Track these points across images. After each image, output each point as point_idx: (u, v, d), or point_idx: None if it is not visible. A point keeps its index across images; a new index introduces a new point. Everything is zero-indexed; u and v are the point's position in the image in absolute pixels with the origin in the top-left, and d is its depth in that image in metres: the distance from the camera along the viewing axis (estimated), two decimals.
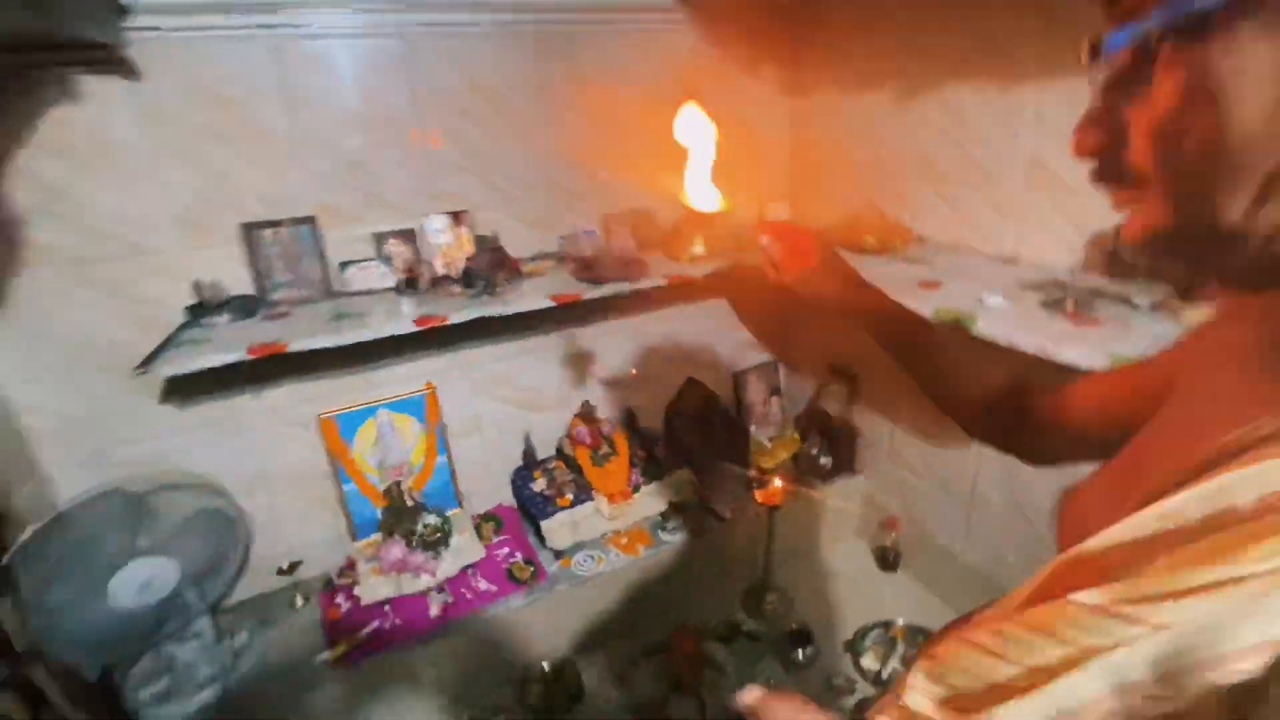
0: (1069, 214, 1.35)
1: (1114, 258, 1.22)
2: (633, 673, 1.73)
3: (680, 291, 1.95)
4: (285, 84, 1.46)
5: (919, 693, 0.38)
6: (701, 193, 0.84)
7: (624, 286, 1.56)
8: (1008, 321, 1.13)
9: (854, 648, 1.76)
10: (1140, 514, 0.33)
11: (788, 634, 1.78)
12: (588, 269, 1.59)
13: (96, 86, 1.31)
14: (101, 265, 1.41)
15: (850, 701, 1.63)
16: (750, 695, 0.55)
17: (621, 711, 1.65)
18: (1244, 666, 0.27)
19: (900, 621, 1.78)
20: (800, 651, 1.73)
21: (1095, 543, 0.35)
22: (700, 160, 0.86)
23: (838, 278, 0.80)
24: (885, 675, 1.68)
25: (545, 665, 1.71)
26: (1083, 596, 0.32)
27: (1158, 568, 0.30)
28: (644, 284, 1.58)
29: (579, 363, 1.99)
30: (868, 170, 1.81)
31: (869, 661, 1.72)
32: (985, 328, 1.13)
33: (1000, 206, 1.48)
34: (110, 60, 1.30)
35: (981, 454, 1.69)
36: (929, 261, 1.52)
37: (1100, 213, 1.30)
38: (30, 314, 1.38)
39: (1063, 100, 1.32)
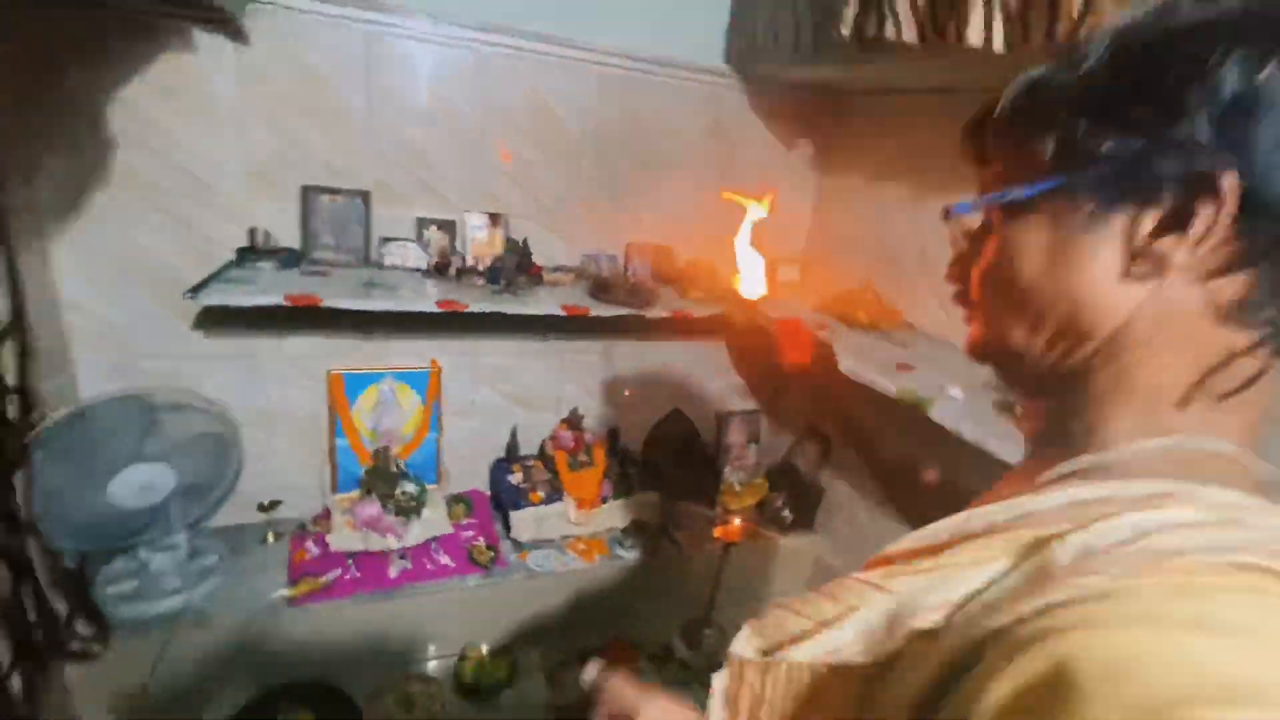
0: None
1: None
2: (563, 673, 1.81)
3: (681, 326, 2.08)
4: (369, 71, 1.62)
5: (742, 643, 0.50)
6: (751, 283, 1.01)
7: (629, 311, 1.70)
8: (959, 412, 1.25)
9: None
10: (916, 531, 0.45)
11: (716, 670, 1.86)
12: (602, 289, 1.72)
13: (209, 42, 1.49)
14: (174, 198, 1.56)
15: None
16: (593, 670, 0.67)
17: (543, 707, 1.73)
18: (932, 618, 0.39)
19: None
20: None
21: (892, 546, 0.48)
22: (750, 255, 1.02)
23: (826, 376, 0.95)
24: None
25: (484, 647, 1.80)
26: (859, 574, 0.45)
27: (905, 558, 0.43)
28: (649, 312, 1.71)
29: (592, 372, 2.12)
30: (873, 254, 1.95)
31: None
32: (938, 414, 1.25)
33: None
34: (226, 22, 1.48)
35: None
36: (911, 346, 1.65)
37: None
38: (100, 227, 1.53)
39: None
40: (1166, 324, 0.42)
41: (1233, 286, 0.40)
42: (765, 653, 0.48)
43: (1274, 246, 0.39)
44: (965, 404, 1.28)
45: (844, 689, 0.43)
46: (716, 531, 1.88)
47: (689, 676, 1.87)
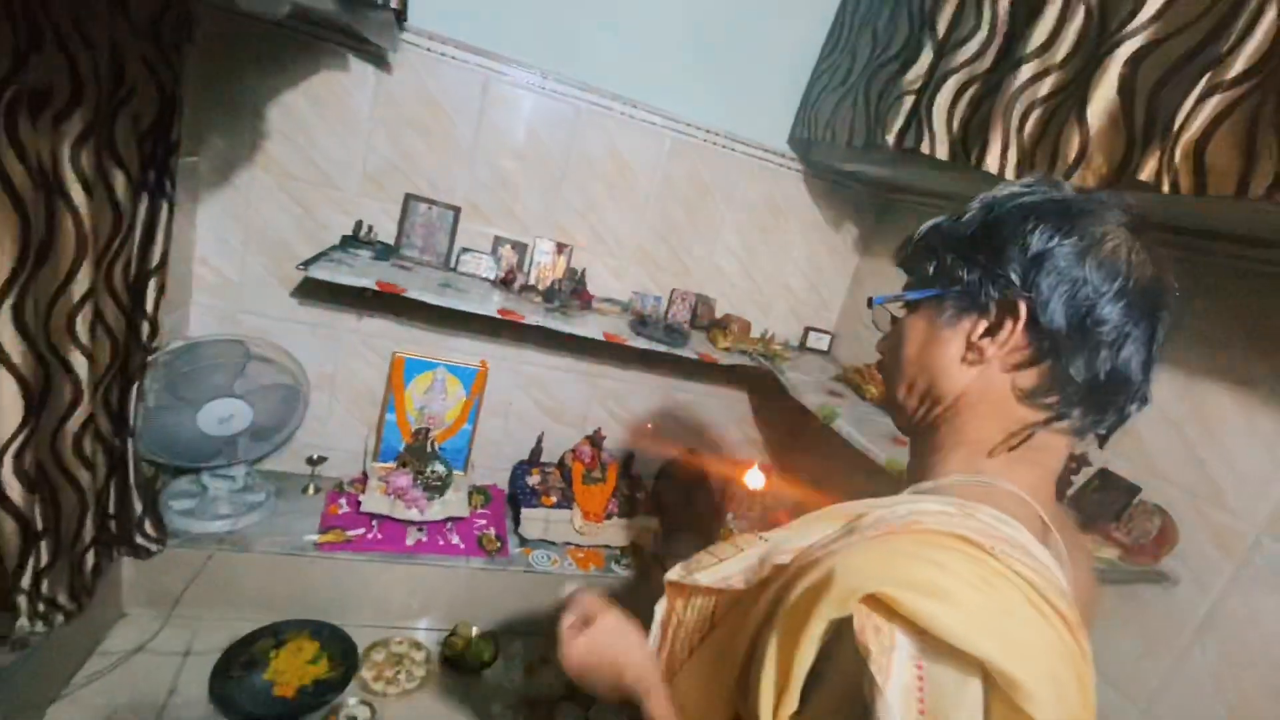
0: None
1: None
2: (539, 668, 1.94)
3: (715, 373, 2.26)
4: (481, 108, 1.91)
5: (674, 572, 0.67)
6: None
7: (661, 348, 1.89)
8: None
9: None
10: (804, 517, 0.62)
11: None
12: (642, 323, 1.92)
13: (358, 66, 1.80)
14: (302, 185, 1.86)
15: None
16: (571, 586, 0.84)
17: (514, 695, 1.86)
18: (785, 557, 0.55)
19: None
20: None
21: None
22: None
23: None
24: None
25: (475, 628, 1.96)
26: (755, 532, 0.62)
27: (785, 522, 0.60)
28: (680, 351, 1.89)
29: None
30: None
31: None
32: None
33: None
34: (375, 53, 1.79)
35: None
36: None
37: None
38: (238, 199, 1.84)
39: None
40: (985, 398, 0.61)
41: (1027, 377, 0.59)
42: (687, 572, 0.66)
43: (1053, 352, 0.57)
44: None
45: (728, 608, 0.60)
46: None
47: None
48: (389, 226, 1.95)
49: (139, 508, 1.64)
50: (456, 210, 1.98)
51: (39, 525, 1.27)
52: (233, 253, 1.90)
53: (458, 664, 1.88)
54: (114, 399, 1.50)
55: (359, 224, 1.89)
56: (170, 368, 1.66)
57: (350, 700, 1.66)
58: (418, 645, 1.90)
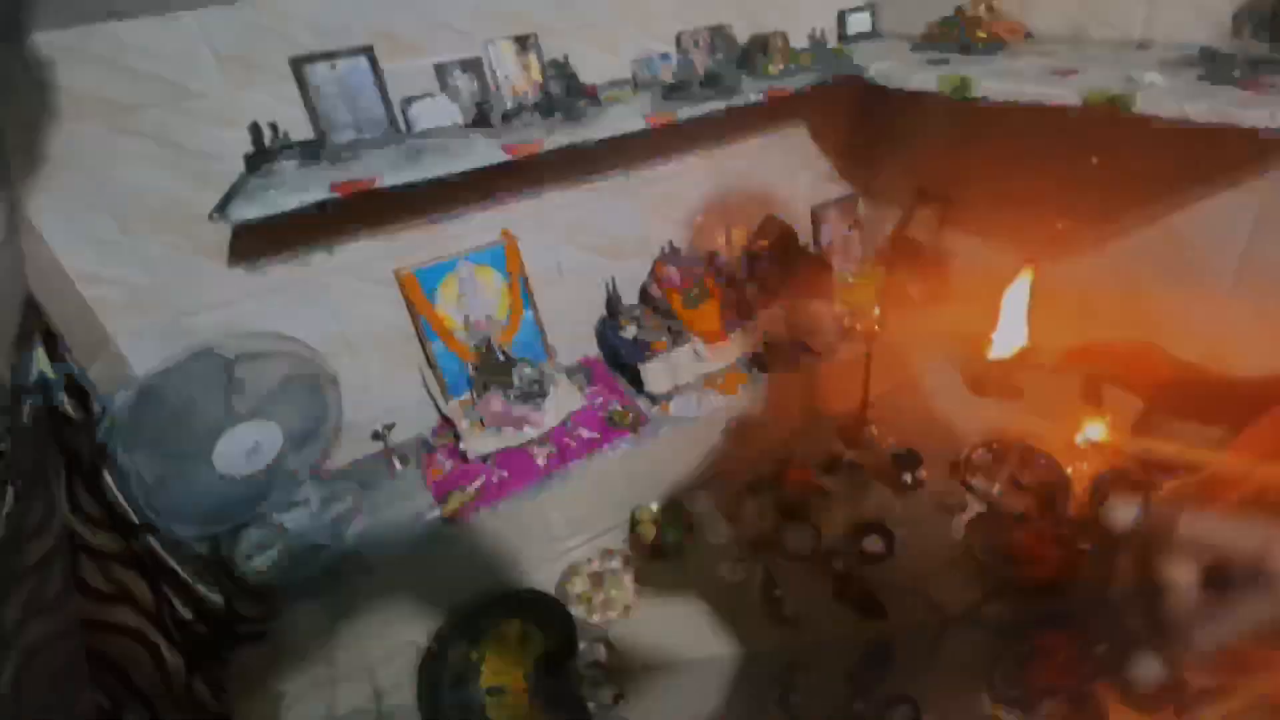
0: None
1: (1275, 20, 1.07)
2: (739, 507, 1.73)
3: (765, 116, 1.80)
4: None
5: None
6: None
7: (719, 105, 1.41)
8: (1173, 95, 1.00)
9: (962, 469, 1.75)
10: None
11: (892, 459, 1.77)
12: (676, 89, 1.43)
13: None
14: (145, 112, 1.25)
15: (964, 519, 1.63)
16: (1132, 511, 0.45)
17: (733, 544, 1.66)
18: None
19: (1008, 439, 1.76)
20: (909, 475, 1.72)
21: None
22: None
23: None
24: (996, 490, 1.67)
25: (654, 506, 1.71)
26: None
27: None
28: (739, 101, 1.42)
29: None
30: None
31: (979, 480, 1.71)
32: (1148, 105, 1.00)
33: None
34: None
35: (1095, 263, 1.60)
36: (1052, 53, 1.37)
37: None
38: (74, 174, 1.24)
39: None
40: None
41: None
42: None
43: None
44: (1171, 87, 1.03)
45: None
46: (858, 328, 1.71)
47: (865, 476, 1.78)
48: (296, 116, 1.36)
49: (217, 596, 1.28)
50: (367, 51, 1.37)
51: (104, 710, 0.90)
52: (118, 250, 1.33)
53: (659, 549, 1.65)
54: (89, 506, 1.06)
55: (256, 129, 1.30)
56: (137, 428, 1.20)
57: (580, 646, 1.44)
58: (608, 554, 1.66)
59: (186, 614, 1.23)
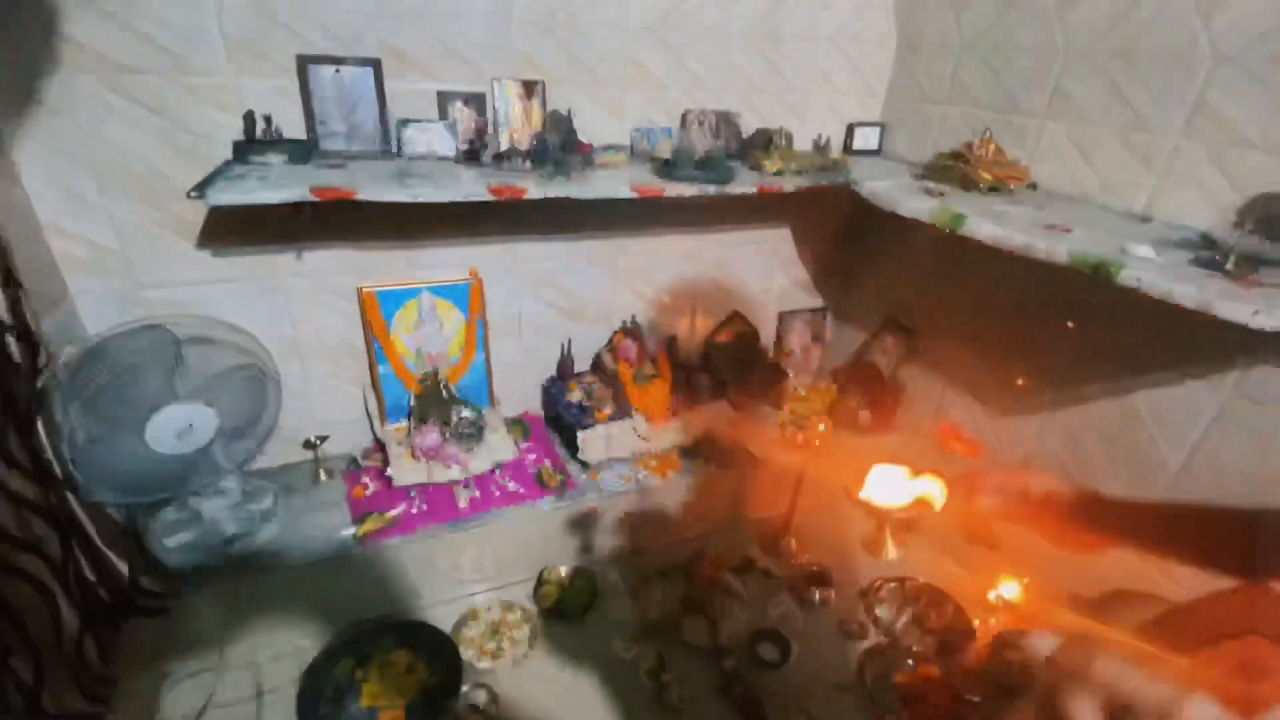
0: (1230, 170, 1.22)
1: (1275, 222, 1.10)
2: (648, 589, 1.74)
3: (750, 211, 1.84)
4: None
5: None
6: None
7: (709, 189, 1.44)
8: (1162, 272, 1.02)
9: (868, 597, 1.76)
10: None
11: (805, 575, 1.78)
12: (670, 165, 1.46)
13: None
14: (145, 79, 1.27)
15: (861, 646, 1.64)
16: (1047, 642, 0.45)
17: (630, 625, 1.66)
18: None
19: (920, 579, 1.78)
20: (817, 592, 1.74)
21: None
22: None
23: None
24: (898, 628, 1.69)
25: (563, 570, 1.72)
26: None
27: None
28: (732, 190, 1.45)
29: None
30: (987, 101, 1.63)
31: (884, 612, 1.72)
32: (1134, 277, 1.03)
33: (1146, 156, 1.34)
34: None
35: (1044, 425, 1.63)
36: (1047, 207, 1.40)
37: (1269, 171, 1.17)
38: (64, 124, 1.26)
39: (1252, 30, 1.16)
40: None
41: None
42: None
43: None
44: (1161, 264, 1.06)
45: None
46: (799, 438, 1.73)
47: (773, 586, 1.79)
48: (292, 113, 1.39)
49: (123, 566, 1.28)
50: (374, 64, 1.41)
51: None
52: (93, 209, 1.35)
53: (559, 612, 1.65)
54: (18, 453, 1.06)
55: (250, 118, 1.32)
56: (77, 385, 1.21)
57: (463, 688, 1.44)
58: (509, 606, 1.66)
59: (90, 576, 1.23)
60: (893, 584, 1.80)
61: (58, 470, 1.19)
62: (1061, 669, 0.41)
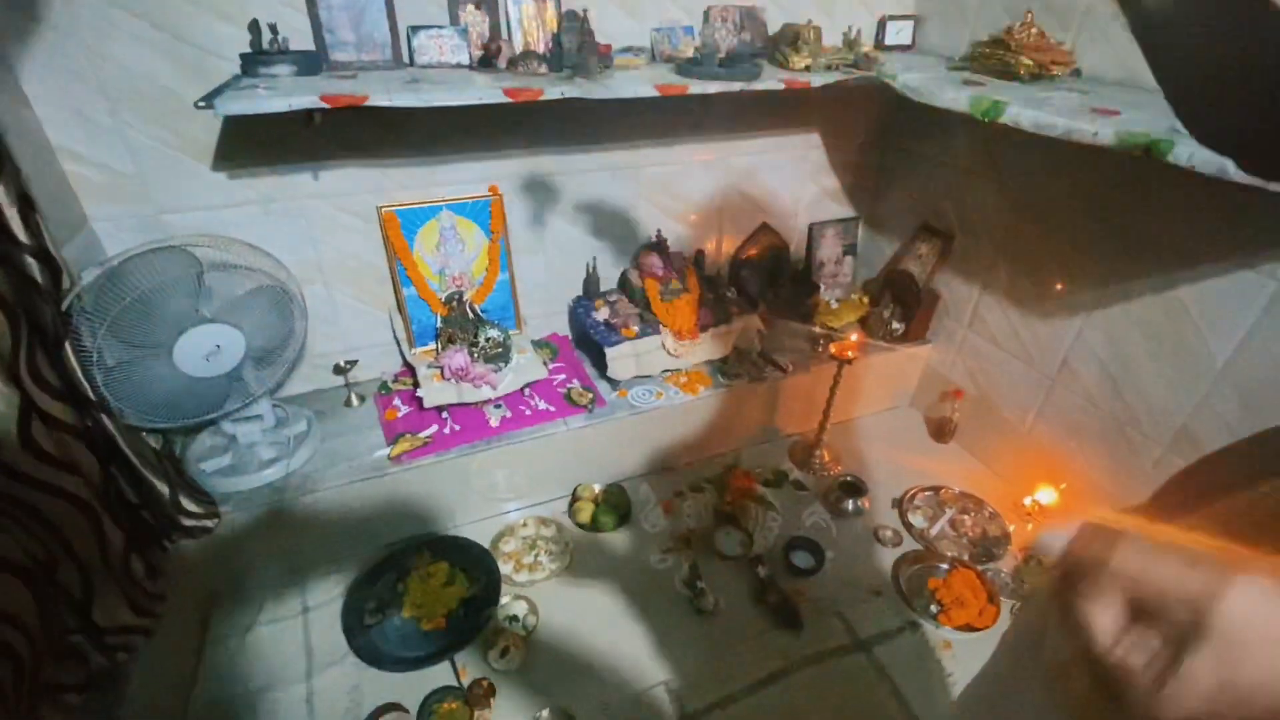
0: None
1: None
2: (680, 503, 1.75)
3: (778, 116, 1.76)
4: None
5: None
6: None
7: (734, 86, 1.37)
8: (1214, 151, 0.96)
9: (901, 505, 1.76)
10: None
11: (838, 484, 1.78)
12: (695, 63, 1.38)
13: None
14: None
15: (895, 553, 1.65)
16: (1060, 539, 0.36)
17: (666, 536, 1.68)
18: None
19: (955, 488, 1.77)
20: (851, 502, 1.74)
21: None
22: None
23: None
24: (933, 534, 1.69)
25: (596, 486, 1.73)
26: None
27: None
28: (757, 86, 1.38)
29: None
30: None
31: (917, 520, 1.72)
32: (1186, 154, 0.96)
33: None
34: None
35: (1085, 325, 1.58)
36: (1094, 92, 1.31)
37: None
38: (69, 42, 1.21)
39: None
40: None
41: None
42: None
43: None
44: None
45: None
46: (833, 349, 1.69)
47: (807, 497, 1.80)
48: (299, 23, 1.33)
49: (164, 487, 1.30)
50: None
51: (38, 559, 0.93)
52: (106, 132, 1.32)
53: (593, 526, 1.68)
54: (49, 374, 1.06)
55: (255, 27, 1.27)
56: (103, 309, 1.20)
57: (502, 599, 1.48)
58: (544, 521, 1.68)
59: (133, 497, 1.26)
60: (927, 492, 1.79)
61: (90, 394, 1.19)
62: (1076, 563, 0.34)
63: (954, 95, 1.30)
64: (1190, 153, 0.95)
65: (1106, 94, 1.29)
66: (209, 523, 1.38)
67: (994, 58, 1.40)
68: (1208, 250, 1.30)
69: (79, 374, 1.15)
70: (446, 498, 1.62)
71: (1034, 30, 1.38)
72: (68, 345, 1.13)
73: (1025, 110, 1.17)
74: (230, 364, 1.36)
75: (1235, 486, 0.40)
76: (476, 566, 1.53)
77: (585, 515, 1.68)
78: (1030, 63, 1.34)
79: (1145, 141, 1.00)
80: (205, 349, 1.31)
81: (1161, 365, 1.44)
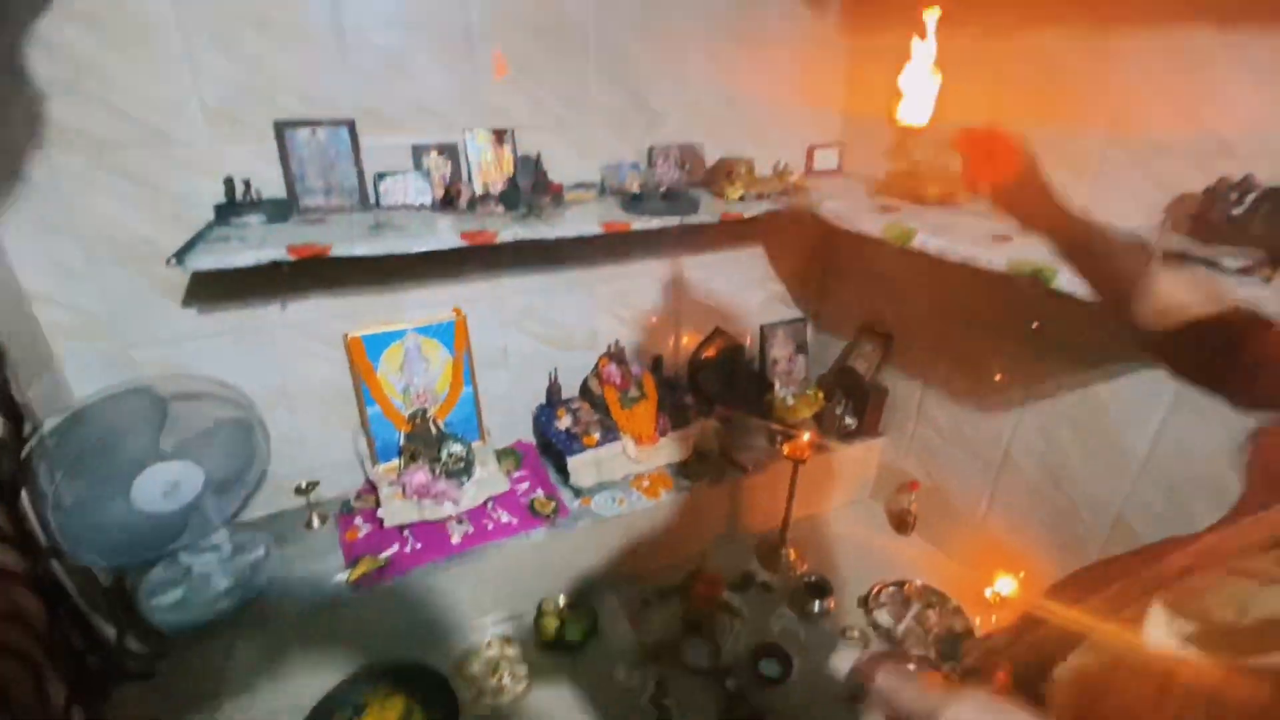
0: (1152, 172, 1.30)
1: (1199, 221, 1.17)
2: (647, 612, 1.74)
3: (723, 234, 1.89)
4: None
5: (1162, 630, 0.34)
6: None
7: (673, 220, 1.50)
8: None
9: (868, 603, 1.77)
10: None
11: (804, 585, 1.79)
12: (637, 200, 1.52)
13: None
14: (127, 152, 1.32)
15: (864, 656, 1.64)
16: (850, 660, 0.60)
17: (633, 649, 1.65)
18: None
19: (918, 582, 1.79)
20: (816, 603, 1.74)
21: None
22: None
23: (1034, 193, 0.72)
24: (899, 632, 1.69)
25: (561, 599, 1.71)
26: None
27: None
28: (695, 219, 1.51)
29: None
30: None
31: (883, 617, 1.73)
32: (1068, 283, 1.08)
33: (1076, 163, 1.42)
34: None
35: (1020, 420, 1.67)
36: (994, 216, 1.46)
37: (1187, 173, 1.25)
38: (49, 200, 1.30)
39: (1159, 49, 1.25)
40: None
41: None
42: (1213, 645, 0.32)
43: None
44: None
45: None
46: (786, 450, 1.76)
47: (774, 599, 1.80)
48: (272, 175, 1.44)
49: (111, 630, 1.28)
50: (349, 124, 1.47)
51: None
52: (80, 277, 1.38)
53: (559, 644, 1.65)
54: (4, 525, 1.07)
55: (229, 183, 1.38)
56: (63, 451, 1.22)
57: None
58: (508, 640, 1.65)
59: (79, 643, 1.22)
60: (892, 588, 1.81)
61: (42, 539, 1.19)
62: (859, 682, 0.55)
63: (871, 223, 1.45)
64: (1070, 280, 1.08)
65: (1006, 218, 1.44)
66: (156, 664, 1.34)
67: (906, 186, 1.57)
68: (1114, 351, 1.42)
69: (33, 521, 1.16)
70: (407, 620, 1.59)
71: (938, 163, 1.56)
72: (23, 492, 1.14)
73: (931, 238, 1.31)
74: (188, 498, 1.37)
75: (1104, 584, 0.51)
76: (436, 696, 1.47)
77: (550, 630, 1.65)
78: (937, 190, 1.50)
79: (1032, 269, 1.13)
80: (163, 485, 1.32)
81: (1091, 459, 1.52)
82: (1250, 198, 1.10)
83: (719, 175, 1.72)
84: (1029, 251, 1.18)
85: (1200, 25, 1.18)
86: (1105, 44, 1.33)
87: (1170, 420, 1.35)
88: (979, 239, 1.29)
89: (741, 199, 1.64)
